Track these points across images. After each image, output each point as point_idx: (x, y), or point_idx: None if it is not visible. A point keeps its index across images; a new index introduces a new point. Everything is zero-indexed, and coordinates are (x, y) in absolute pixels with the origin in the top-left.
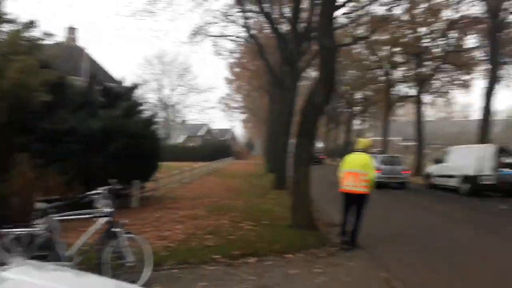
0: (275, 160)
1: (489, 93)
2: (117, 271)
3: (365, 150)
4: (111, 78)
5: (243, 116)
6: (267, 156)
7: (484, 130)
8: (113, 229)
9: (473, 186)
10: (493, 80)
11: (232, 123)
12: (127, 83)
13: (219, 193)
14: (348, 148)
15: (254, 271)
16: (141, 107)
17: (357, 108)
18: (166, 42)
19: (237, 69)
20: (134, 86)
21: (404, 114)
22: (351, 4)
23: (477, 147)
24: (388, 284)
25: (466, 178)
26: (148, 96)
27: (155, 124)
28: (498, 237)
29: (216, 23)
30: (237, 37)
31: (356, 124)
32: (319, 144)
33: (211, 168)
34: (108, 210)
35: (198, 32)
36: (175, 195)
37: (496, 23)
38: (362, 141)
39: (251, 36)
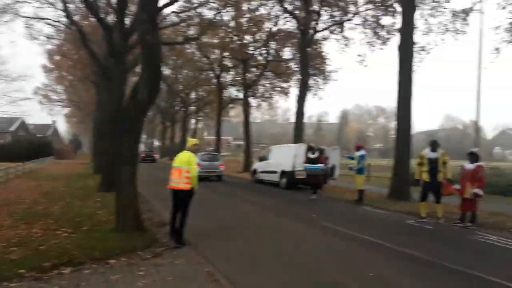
0: (103, 159)
1: (300, 100)
2: None
3: (193, 149)
4: None
5: (66, 110)
6: (95, 155)
7: (297, 131)
8: None
9: (289, 180)
10: (304, 88)
11: (54, 117)
12: None
13: (32, 198)
14: (183, 146)
15: (69, 282)
16: None
17: (192, 108)
18: None
19: (57, 57)
20: None
21: (235, 115)
22: (180, 3)
23: (292, 146)
24: (211, 278)
25: (284, 173)
26: None
27: None
28: (303, 223)
29: (29, 2)
30: (56, 21)
31: (192, 123)
32: (155, 142)
33: (25, 169)
34: None
35: (4, 10)
36: None
37: (305, 39)
38: (191, 140)
39: (73, 22)
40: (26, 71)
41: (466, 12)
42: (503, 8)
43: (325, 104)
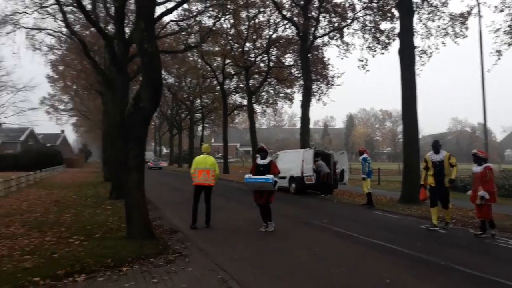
0: (112, 167)
1: (304, 105)
2: None
3: (209, 153)
4: None
5: (74, 119)
6: (104, 163)
7: (304, 136)
8: None
9: (299, 185)
10: (307, 94)
11: (62, 127)
12: None
13: (44, 207)
14: (193, 152)
15: None
16: None
17: (198, 115)
18: None
19: (61, 67)
20: None
21: (242, 121)
22: (179, 12)
23: (299, 151)
24: (225, 285)
25: (293, 179)
26: None
27: None
28: (315, 228)
29: (28, 13)
30: (57, 32)
31: (199, 130)
32: (164, 150)
33: (36, 178)
34: None
35: (5, 22)
36: None
37: (305, 45)
38: (205, 146)
39: (73, 32)
40: (31, 82)
41: (464, 16)
42: (501, 11)
43: (331, 109)
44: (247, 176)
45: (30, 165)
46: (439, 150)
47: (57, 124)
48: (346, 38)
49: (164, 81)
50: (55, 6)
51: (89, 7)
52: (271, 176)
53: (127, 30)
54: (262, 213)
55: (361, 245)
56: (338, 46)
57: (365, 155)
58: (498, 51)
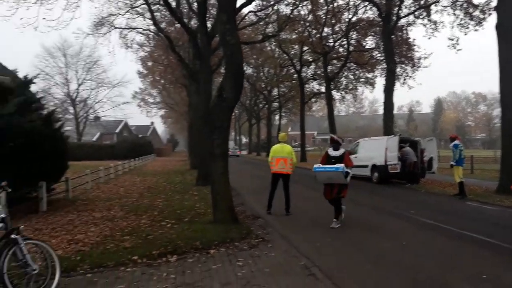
0: (198, 156)
1: (388, 90)
2: (21, 280)
3: (286, 141)
4: (4, 71)
5: (163, 111)
6: (190, 152)
7: (387, 123)
8: (10, 236)
9: (382, 174)
10: (390, 78)
11: (152, 118)
12: (23, 76)
13: (138, 192)
14: (271, 141)
15: (175, 270)
16: (40, 103)
17: (275, 104)
18: (68, 33)
19: (149, 63)
20: (29, 80)
21: (319, 109)
22: (257, 2)
23: (383, 138)
24: (308, 272)
25: (375, 167)
26: (52, 91)
27: (57, 121)
28: (401, 219)
29: (121, 14)
30: (146, 30)
31: (276, 119)
32: (243, 139)
33: (130, 167)
34: (1, 215)
35: (101, 23)
36: (89, 197)
37: (388, 27)
38: (282, 135)
39: (160, 29)
40: (124, 78)
41: None
42: None
43: (417, 93)
44: (316, 165)
45: (125, 154)
46: None
47: (147, 116)
48: (434, 16)
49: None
50: (144, 6)
51: (173, 4)
52: (342, 165)
53: (208, 24)
54: (335, 206)
55: (453, 237)
56: (424, 25)
57: (456, 142)
58: None
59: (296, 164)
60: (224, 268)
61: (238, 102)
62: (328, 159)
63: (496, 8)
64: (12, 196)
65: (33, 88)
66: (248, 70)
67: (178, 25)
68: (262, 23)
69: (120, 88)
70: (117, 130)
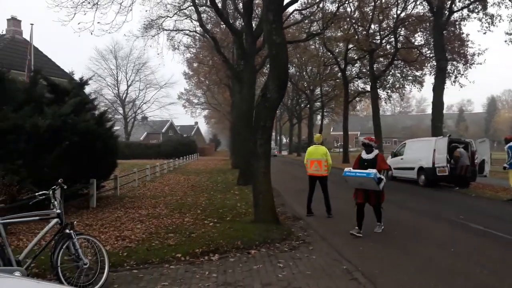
0: (240, 155)
1: (437, 88)
2: (72, 274)
3: (321, 143)
4: (62, 73)
5: (206, 112)
6: (232, 151)
7: (436, 123)
8: (64, 231)
9: (429, 177)
10: (441, 75)
11: (196, 119)
12: (78, 78)
13: (182, 191)
14: (312, 141)
15: (217, 268)
16: (93, 104)
17: (317, 104)
18: (119, 35)
19: (195, 64)
20: (84, 82)
21: (363, 108)
22: (302, 0)
23: (431, 139)
24: (350, 276)
25: (422, 170)
26: (104, 92)
27: (109, 121)
28: (449, 224)
29: (170, 17)
30: (193, 31)
31: (318, 119)
32: (284, 140)
33: (175, 166)
34: (57, 211)
35: (151, 26)
36: (136, 194)
37: (440, 22)
38: (317, 136)
39: (206, 31)
40: (171, 79)
41: None
42: None
43: (468, 92)
44: (347, 169)
45: (170, 153)
46: None
47: (191, 117)
48: (490, 9)
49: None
50: (191, 7)
51: (219, 5)
52: (374, 170)
53: (253, 24)
54: (359, 214)
55: (505, 245)
56: (480, 20)
57: (511, 143)
58: None
59: (332, 165)
60: (265, 269)
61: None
62: (360, 163)
63: None
64: (66, 192)
65: (87, 89)
66: (291, 69)
67: (223, 26)
68: (306, 21)
69: (167, 89)
70: (163, 130)
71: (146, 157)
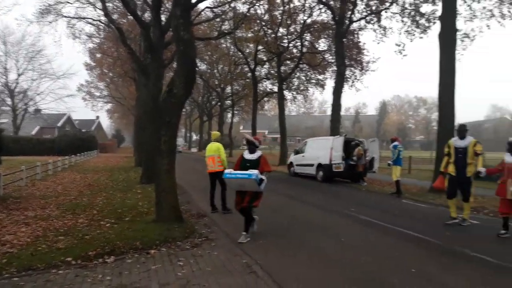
0: (144, 153)
1: (337, 92)
2: None
3: (218, 140)
4: None
5: (109, 106)
6: (136, 148)
7: (334, 123)
8: None
9: (326, 173)
10: (340, 80)
11: (97, 113)
12: None
13: (77, 190)
14: (222, 139)
15: (112, 271)
16: None
17: (228, 102)
18: (10, 19)
19: (98, 55)
20: None
21: (271, 108)
22: None
23: (328, 138)
24: (249, 270)
25: (321, 166)
26: None
27: None
28: (341, 217)
29: (70, 2)
30: (97, 20)
31: (229, 117)
32: (194, 136)
33: (71, 163)
34: None
35: (48, 11)
36: (23, 194)
37: (341, 30)
38: (214, 133)
39: (111, 21)
40: (70, 69)
41: None
42: None
43: (364, 96)
44: (227, 171)
45: (66, 149)
46: (465, 135)
47: (93, 110)
48: (384, 22)
49: (197, 68)
50: None
51: None
52: (255, 171)
53: (163, 17)
54: (245, 216)
55: (388, 234)
56: (374, 31)
57: (396, 143)
58: None
59: (226, 160)
60: (164, 269)
61: (188, 99)
62: (242, 163)
63: (440, 17)
64: None
65: None
66: (202, 67)
67: (130, 17)
68: (218, 19)
69: (65, 80)
70: (59, 124)
71: (38, 153)
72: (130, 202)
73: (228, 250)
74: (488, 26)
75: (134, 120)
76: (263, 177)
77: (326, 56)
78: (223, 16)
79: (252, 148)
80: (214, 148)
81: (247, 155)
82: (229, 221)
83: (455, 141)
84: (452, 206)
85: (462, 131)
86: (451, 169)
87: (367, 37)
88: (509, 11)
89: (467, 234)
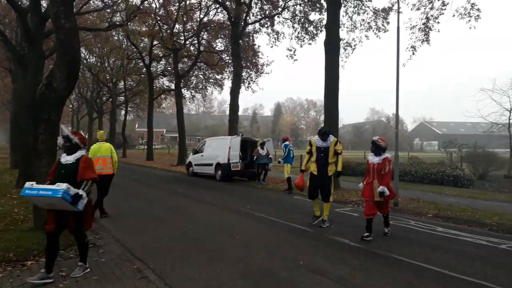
0: (21, 153)
1: (234, 92)
2: None
3: (104, 140)
4: None
5: None
6: (12, 149)
7: (232, 123)
8: None
9: (225, 172)
10: (237, 81)
11: None
12: None
13: None
14: (115, 137)
15: None
16: None
17: (121, 98)
18: None
19: None
20: None
21: (169, 106)
22: None
23: (226, 138)
24: (140, 275)
25: (219, 166)
26: None
27: None
28: (238, 215)
29: None
30: None
31: (122, 114)
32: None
33: None
34: None
35: None
36: None
37: (236, 31)
38: (100, 133)
39: None
40: None
41: (386, 11)
42: (418, 9)
43: (261, 97)
44: (28, 184)
45: None
46: (326, 139)
47: None
48: (277, 27)
49: (85, 61)
50: None
51: None
52: (63, 186)
53: (43, 3)
54: (49, 247)
55: (280, 229)
56: (268, 34)
57: (287, 142)
58: (413, 47)
59: (118, 162)
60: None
61: (76, 94)
62: (58, 169)
63: (325, 26)
64: None
65: None
66: (91, 59)
67: (3, 0)
68: (109, 10)
69: None
70: None
71: None
72: (3, 209)
73: (118, 256)
74: (367, 36)
75: (10, 116)
76: (81, 191)
77: (223, 57)
78: (114, 7)
79: (68, 146)
80: (106, 148)
81: (64, 158)
82: (120, 225)
83: (317, 141)
84: (316, 206)
85: (324, 135)
86: (313, 167)
87: (262, 41)
88: (383, 25)
89: (351, 228)
